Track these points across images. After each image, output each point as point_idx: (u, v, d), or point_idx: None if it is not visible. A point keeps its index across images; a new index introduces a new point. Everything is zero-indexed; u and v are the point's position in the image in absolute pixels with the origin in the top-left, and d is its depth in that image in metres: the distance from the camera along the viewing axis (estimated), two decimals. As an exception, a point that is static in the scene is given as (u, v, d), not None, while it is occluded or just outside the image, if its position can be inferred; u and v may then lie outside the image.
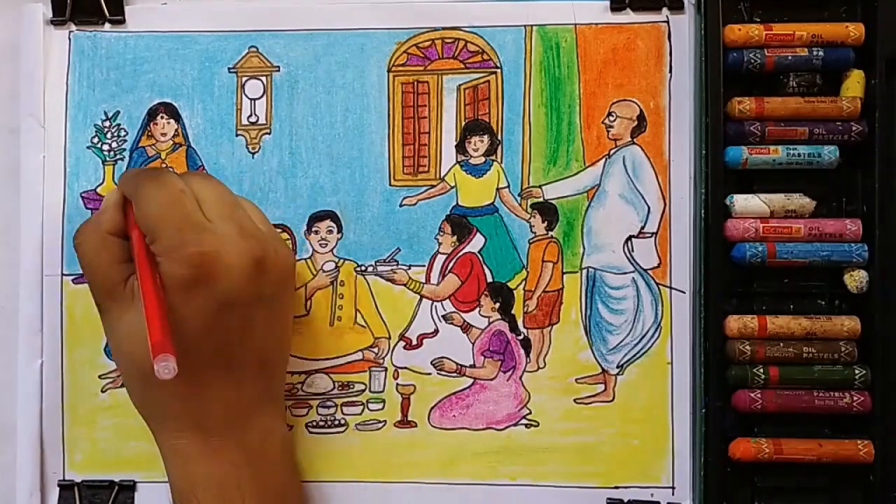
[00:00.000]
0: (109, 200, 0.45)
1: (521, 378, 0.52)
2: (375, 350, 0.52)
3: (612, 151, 0.52)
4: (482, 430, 0.52)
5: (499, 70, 0.52)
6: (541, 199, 0.52)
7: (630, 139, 0.52)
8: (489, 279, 0.52)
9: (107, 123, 0.52)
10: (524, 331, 0.52)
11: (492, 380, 0.52)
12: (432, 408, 0.52)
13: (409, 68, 0.52)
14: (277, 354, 0.48)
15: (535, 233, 0.52)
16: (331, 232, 0.52)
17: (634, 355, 0.52)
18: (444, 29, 0.52)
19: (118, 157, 0.52)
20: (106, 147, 0.52)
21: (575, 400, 0.52)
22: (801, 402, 0.49)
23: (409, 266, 0.52)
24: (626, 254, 0.52)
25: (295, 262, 0.47)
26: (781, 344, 0.49)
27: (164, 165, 0.52)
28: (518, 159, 0.52)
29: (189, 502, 0.45)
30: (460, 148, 0.52)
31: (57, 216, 0.52)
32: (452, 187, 0.52)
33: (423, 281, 0.52)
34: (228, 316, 0.43)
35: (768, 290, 0.51)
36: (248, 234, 0.43)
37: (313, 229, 0.52)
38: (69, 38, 0.53)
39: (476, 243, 0.52)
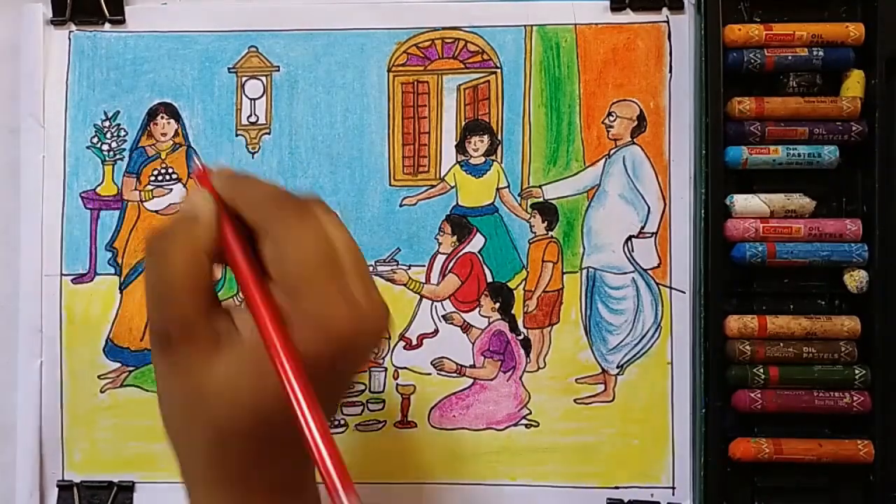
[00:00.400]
0: (206, 209, 0.35)
1: (521, 378, 0.52)
2: (375, 350, 0.52)
3: (612, 151, 0.52)
4: (482, 430, 0.52)
5: (499, 70, 0.52)
6: (541, 199, 0.52)
7: (630, 139, 0.52)
8: (489, 279, 0.52)
9: (107, 123, 0.52)
10: (524, 331, 0.52)
11: (492, 380, 0.52)
12: (432, 408, 0.52)
13: (409, 68, 0.52)
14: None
15: (535, 233, 0.52)
16: (331, 232, 0.52)
17: (634, 355, 0.52)
18: (444, 29, 0.52)
19: (118, 156, 0.52)
20: (106, 147, 0.52)
21: (575, 400, 0.52)
22: (801, 402, 0.49)
23: (409, 266, 0.52)
24: (626, 254, 0.52)
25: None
26: (781, 344, 0.49)
27: (163, 165, 0.52)
28: (518, 159, 0.52)
29: None
30: (460, 148, 0.52)
31: (57, 216, 0.52)
32: (452, 187, 0.52)
33: (423, 281, 0.52)
34: (330, 388, 0.35)
35: (768, 290, 0.51)
36: (376, 301, 0.35)
37: (313, 229, 0.52)
38: (69, 38, 0.53)
39: (476, 243, 0.52)
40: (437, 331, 0.52)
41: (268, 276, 0.34)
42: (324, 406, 0.33)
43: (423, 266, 0.52)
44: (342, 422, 0.52)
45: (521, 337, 0.52)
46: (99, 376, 0.52)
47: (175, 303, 0.33)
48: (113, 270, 0.52)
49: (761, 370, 0.49)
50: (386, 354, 0.52)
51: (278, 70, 0.52)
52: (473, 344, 0.52)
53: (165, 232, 0.34)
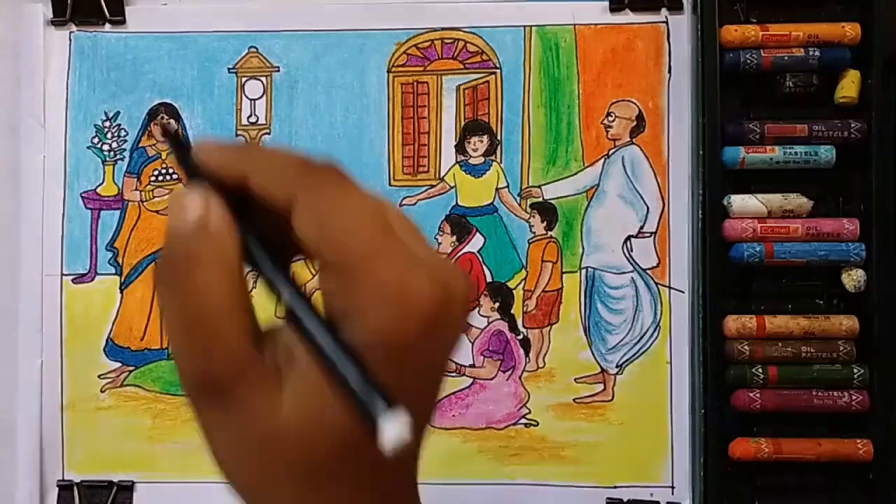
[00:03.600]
0: (215, 212, 0.27)
1: (520, 378, 0.52)
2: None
3: (611, 151, 0.52)
4: (482, 429, 0.52)
5: (498, 70, 0.52)
6: (540, 199, 0.52)
7: (629, 139, 0.52)
8: (489, 279, 0.52)
9: (107, 123, 0.52)
10: (523, 330, 0.52)
11: (491, 379, 0.52)
12: (432, 408, 0.52)
13: (408, 69, 0.53)
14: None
15: (534, 233, 0.52)
16: (330, 232, 0.52)
17: (634, 355, 0.52)
18: (443, 29, 0.53)
19: (118, 157, 0.52)
20: (106, 147, 0.52)
21: (574, 399, 0.52)
22: (800, 402, 0.49)
23: (409, 266, 0.52)
24: (625, 253, 0.52)
25: None
26: (780, 343, 0.49)
27: (164, 166, 0.52)
28: (517, 159, 0.52)
29: None
30: (460, 148, 0.53)
31: (57, 216, 0.52)
32: (452, 187, 0.52)
33: (423, 281, 0.52)
34: (437, 375, 0.30)
35: (766, 289, 0.51)
36: (450, 263, 0.34)
37: (313, 229, 0.52)
38: (69, 39, 0.53)
39: (475, 243, 0.52)
40: (436, 330, 0.52)
41: (310, 260, 0.28)
42: (423, 401, 0.29)
43: (423, 266, 0.52)
44: (342, 422, 0.52)
45: (520, 336, 0.52)
46: (99, 376, 0.52)
47: (219, 340, 0.27)
48: (113, 270, 0.52)
49: (760, 370, 0.49)
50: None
51: (278, 70, 0.53)
52: (473, 343, 0.52)
53: (178, 256, 0.27)
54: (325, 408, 0.26)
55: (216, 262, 0.27)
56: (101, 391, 0.52)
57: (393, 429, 0.23)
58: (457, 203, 0.52)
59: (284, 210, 0.27)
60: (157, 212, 0.52)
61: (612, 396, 0.52)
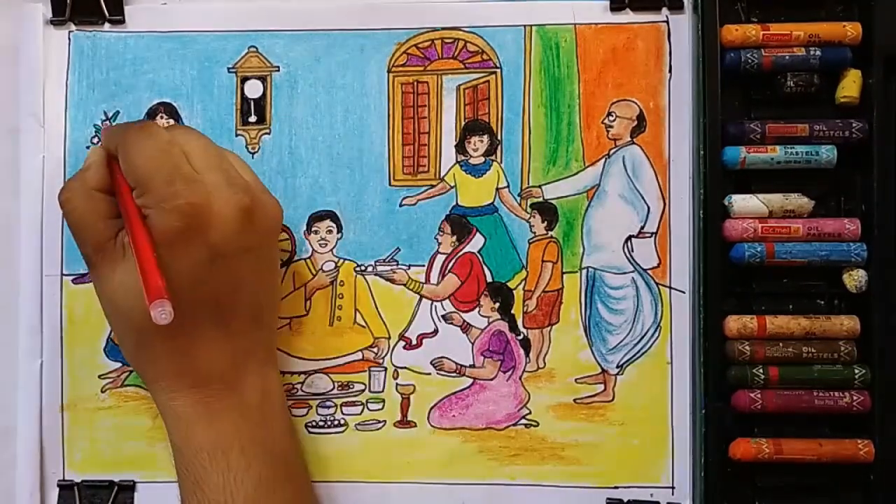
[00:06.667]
0: (93, 157, 0.45)
1: (520, 378, 0.52)
2: (375, 350, 0.52)
3: (611, 151, 0.52)
4: (482, 429, 0.52)
5: (498, 70, 0.52)
6: (540, 199, 0.52)
7: (630, 139, 0.52)
8: (489, 279, 0.52)
9: (106, 123, 0.52)
10: (524, 331, 0.52)
11: (491, 380, 0.52)
12: (432, 408, 0.52)
13: (408, 69, 0.53)
14: (267, 306, 0.48)
15: (534, 233, 0.52)
16: (330, 232, 0.52)
17: (634, 355, 0.52)
18: (443, 29, 0.52)
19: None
20: (106, 147, 0.52)
21: (575, 400, 0.52)
22: (801, 402, 0.49)
23: (409, 266, 0.52)
24: (625, 254, 0.52)
25: (281, 212, 0.47)
26: (781, 344, 0.49)
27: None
28: (518, 159, 0.52)
29: (193, 466, 0.43)
30: (460, 148, 0.52)
31: (57, 216, 0.52)
32: (452, 187, 0.52)
33: (423, 281, 0.52)
34: (218, 267, 0.43)
35: (767, 290, 0.51)
36: (235, 183, 0.44)
37: (313, 229, 0.52)
38: (69, 38, 0.53)
39: (476, 243, 0.52)
40: (436, 331, 0.52)
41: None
42: (226, 284, 0.44)
43: (423, 266, 0.52)
44: (342, 421, 0.52)
45: (520, 337, 0.52)
46: (99, 376, 0.52)
47: (83, 231, 0.44)
48: (113, 270, 0.52)
49: (761, 370, 0.49)
50: (386, 354, 0.52)
51: (278, 70, 0.52)
52: (473, 344, 0.52)
53: (67, 183, 0.46)
54: (135, 284, 0.41)
55: (82, 187, 0.45)
56: (102, 391, 0.52)
57: (154, 308, 0.39)
58: (457, 203, 0.52)
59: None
60: (156, 212, 0.52)
61: (613, 397, 0.52)
